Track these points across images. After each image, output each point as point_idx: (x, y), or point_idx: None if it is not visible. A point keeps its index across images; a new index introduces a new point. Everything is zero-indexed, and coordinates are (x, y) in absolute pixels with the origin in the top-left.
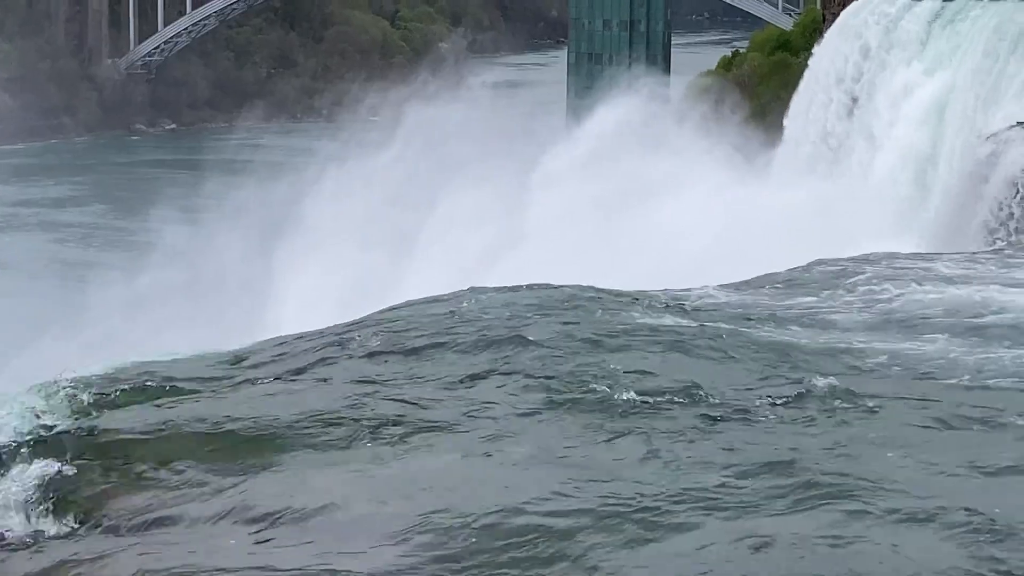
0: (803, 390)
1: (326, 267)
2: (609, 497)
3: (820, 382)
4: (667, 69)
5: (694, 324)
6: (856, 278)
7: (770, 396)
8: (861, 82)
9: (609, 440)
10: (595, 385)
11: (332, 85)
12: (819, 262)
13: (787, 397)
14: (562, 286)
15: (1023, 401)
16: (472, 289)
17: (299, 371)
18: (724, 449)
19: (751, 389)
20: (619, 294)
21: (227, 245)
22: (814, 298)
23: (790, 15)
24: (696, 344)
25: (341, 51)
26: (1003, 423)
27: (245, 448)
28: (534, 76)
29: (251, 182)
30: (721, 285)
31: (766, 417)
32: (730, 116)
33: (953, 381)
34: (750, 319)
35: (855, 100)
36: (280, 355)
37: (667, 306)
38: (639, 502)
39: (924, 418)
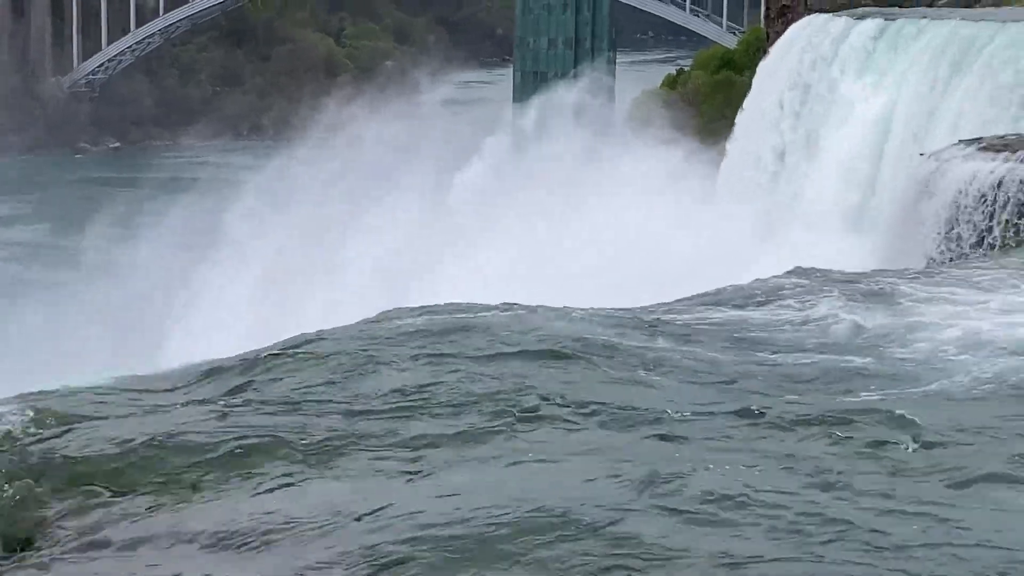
0: (728, 406)
1: (241, 287)
2: (542, 510)
3: (744, 398)
4: (612, 88)
5: (624, 342)
6: (789, 295)
7: (701, 412)
8: (804, 101)
9: (541, 460)
10: (524, 403)
11: (278, 103)
12: (757, 280)
13: (713, 413)
14: (486, 304)
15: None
16: (397, 310)
17: (233, 392)
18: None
19: (686, 406)
20: (549, 310)
21: (157, 263)
22: (744, 313)
23: (734, 33)
24: (624, 361)
25: (287, 69)
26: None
27: (183, 471)
28: (480, 94)
29: (191, 200)
30: (658, 304)
31: (696, 436)
32: (674, 134)
33: (852, 395)
34: (682, 335)
35: (798, 118)
36: (213, 376)
37: (594, 322)
38: (566, 520)
39: (840, 428)
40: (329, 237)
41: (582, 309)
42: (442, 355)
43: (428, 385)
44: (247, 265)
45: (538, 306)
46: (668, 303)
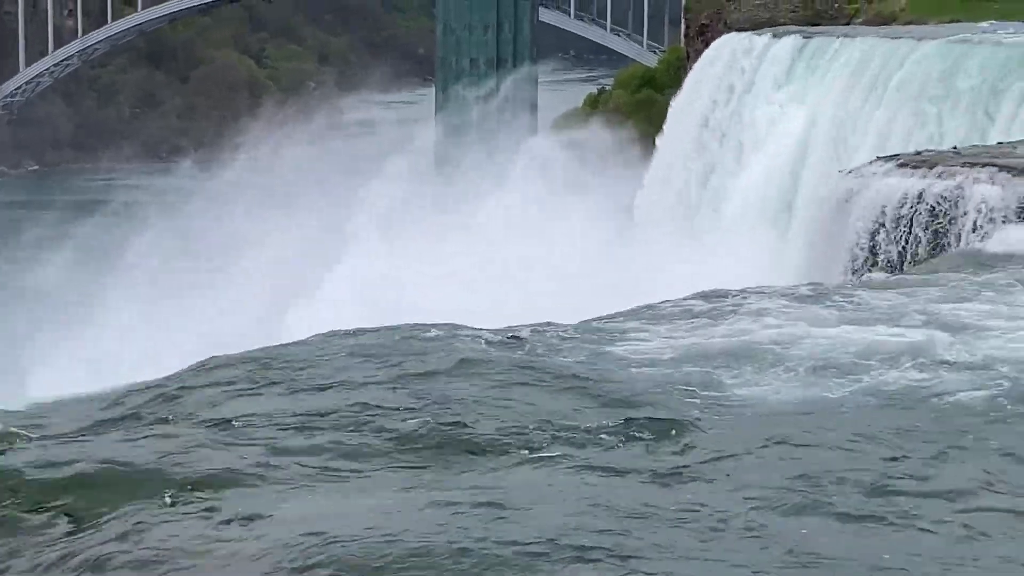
0: (632, 424)
1: (137, 304)
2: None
3: (649, 416)
4: (534, 107)
5: (535, 360)
6: (700, 314)
7: (596, 430)
8: (725, 119)
9: (469, 488)
10: (439, 424)
11: (198, 124)
12: (666, 301)
13: (619, 430)
14: (390, 326)
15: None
16: (315, 336)
17: (137, 418)
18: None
19: (583, 424)
20: (468, 330)
21: (63, 286)
22: (654, 334)
23: (654, 52)
24: (532, 380)
25: (207, 90)
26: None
27: (91, 496)
28: (403, 114)
29: (105, 222)
30: (571, 323)
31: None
32: (597, 152)
33: (760, 411)
34: (587, 356)
35: (719, 136)
36: (117, 403)
37: (505, 343)
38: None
39: (741, 449)
40: (223, 255)
41: (472, 328)
42: (364, 382)
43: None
44: (144, 284)
45: (428, 324)
46: (573, 324)
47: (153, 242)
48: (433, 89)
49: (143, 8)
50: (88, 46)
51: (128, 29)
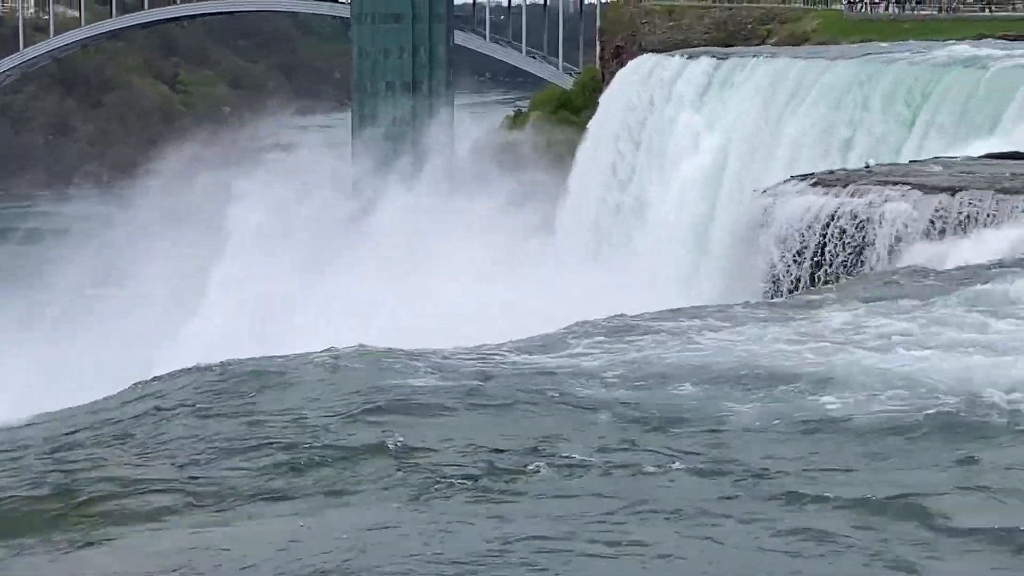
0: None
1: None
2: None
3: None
4: (451, 129)
5: (451, 384)
6: (615, 338)
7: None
8: (640, 140)
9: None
10: (362, 449)
11: (111, 151)
12: (583, 323)
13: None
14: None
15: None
16: (222, 363)
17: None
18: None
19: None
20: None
21: None
22: (569, 357)
23: (570, 74)
24: (453, 405)
25: (120, 116)
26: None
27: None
28: (319, 138)
29: (10, 249)
30: (487, 346)
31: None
32: (515, 176)
33: (683, 429)
34: (504, 379)
35: (634, 158)
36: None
37: (432, 370)
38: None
39: (668, 469)
40: (122, 282)
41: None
42: (281, 410)
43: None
44: (31, 311)
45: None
46: (515, 344)
47: (62, 271)
48: (350, 113)
49: (55, 34)
50: (0, 72)
51: (41, 55)
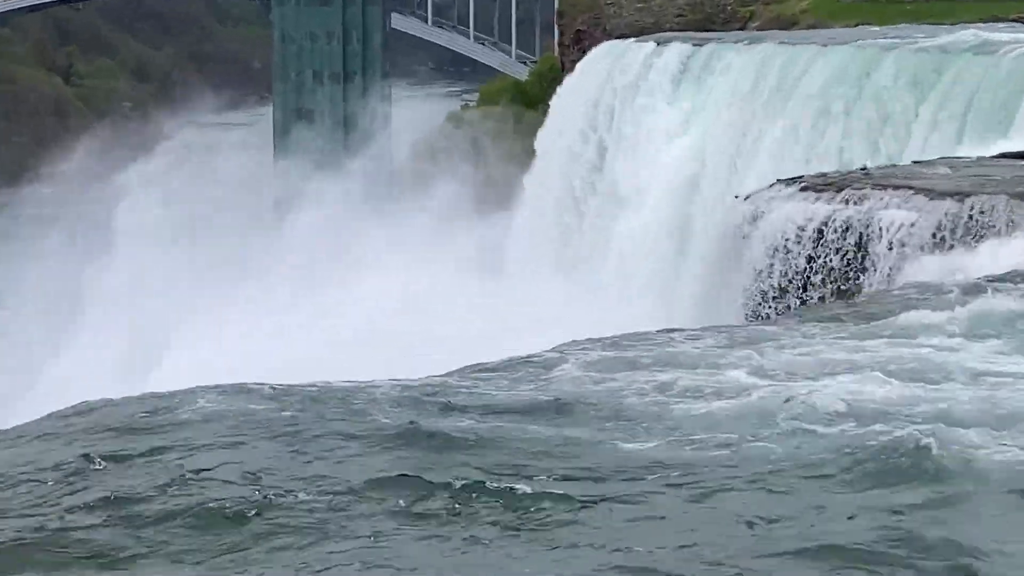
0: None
1: None
2: None
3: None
4: (388, 126)
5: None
6: (564, 365)
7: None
8: (605, 138)
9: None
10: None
11: None
12: (537, 352)
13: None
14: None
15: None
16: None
17: None
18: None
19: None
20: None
21: None
22: (509, 385)
23: (525, 63)
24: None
25: (6, 113)
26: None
27: None
28: (236, 137)
29: None
30: (433, 376)
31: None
32: (461, 179)
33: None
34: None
35: (599, 158)
36: None
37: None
38: None
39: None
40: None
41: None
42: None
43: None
44: None
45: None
46: (463, 371)
47: None
48: (271, 107)
49: None
50: None
51: None
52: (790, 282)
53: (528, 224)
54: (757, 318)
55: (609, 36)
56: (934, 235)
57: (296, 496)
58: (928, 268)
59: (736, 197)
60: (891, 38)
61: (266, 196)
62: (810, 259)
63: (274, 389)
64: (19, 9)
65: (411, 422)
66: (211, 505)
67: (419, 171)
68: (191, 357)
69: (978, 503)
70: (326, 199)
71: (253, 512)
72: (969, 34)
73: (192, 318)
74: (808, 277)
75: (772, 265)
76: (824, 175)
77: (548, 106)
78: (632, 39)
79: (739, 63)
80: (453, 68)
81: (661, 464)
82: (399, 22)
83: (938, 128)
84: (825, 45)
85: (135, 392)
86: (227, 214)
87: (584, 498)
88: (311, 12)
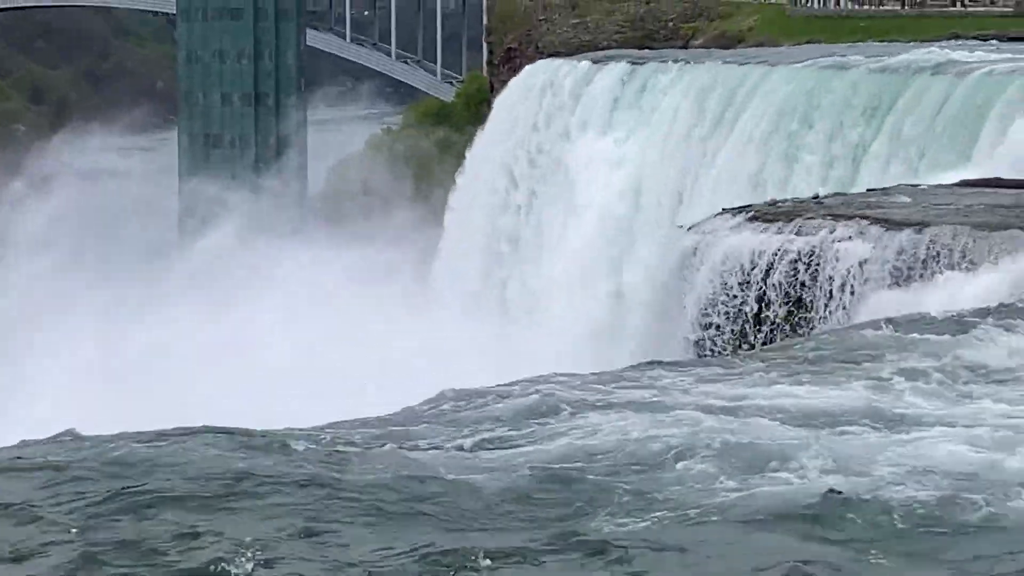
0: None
1: None
2: None
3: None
4: (303, 152)
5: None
6: (493, 407)
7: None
8: (537, 165)
9: None
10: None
11: None
12: (454, 393)
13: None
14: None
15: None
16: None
17: None
18: None
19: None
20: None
21: None
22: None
23: (451, 83)
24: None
25: None
26: None
27: None
28: (139, 162)
29: None
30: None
31: None
32: (382, 208)
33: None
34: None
35: (530, 187)
36: None
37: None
38: None
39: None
40: None
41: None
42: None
43: None
44: None
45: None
46: (383, 419)
47: None
48: (176, 131)
49: None
50: None
51: None
52: (736, 318)
53: (451, 256)
54: (701, 355)
55: (542, 54)
56: (891, 268)
57: None
58: (885, 303)
59: (679, 227)
60: (846, 57)
61: (171, 225)
62: (759, 294)
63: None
64: None
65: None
66: None
67: (336, 199)
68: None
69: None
70: (235, 229)
71: None
72: (927, 53)
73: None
74: (756, 313)
75: (717, 300)
76: (774, 204)
77: (476, 130)
78: (567, 57)
79: (681, 85)
80: (374, 89)
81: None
82: (315, 39)
83: (895, 153)
84: (774, 65)
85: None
86: (128, 244)
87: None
88: (219, 29)
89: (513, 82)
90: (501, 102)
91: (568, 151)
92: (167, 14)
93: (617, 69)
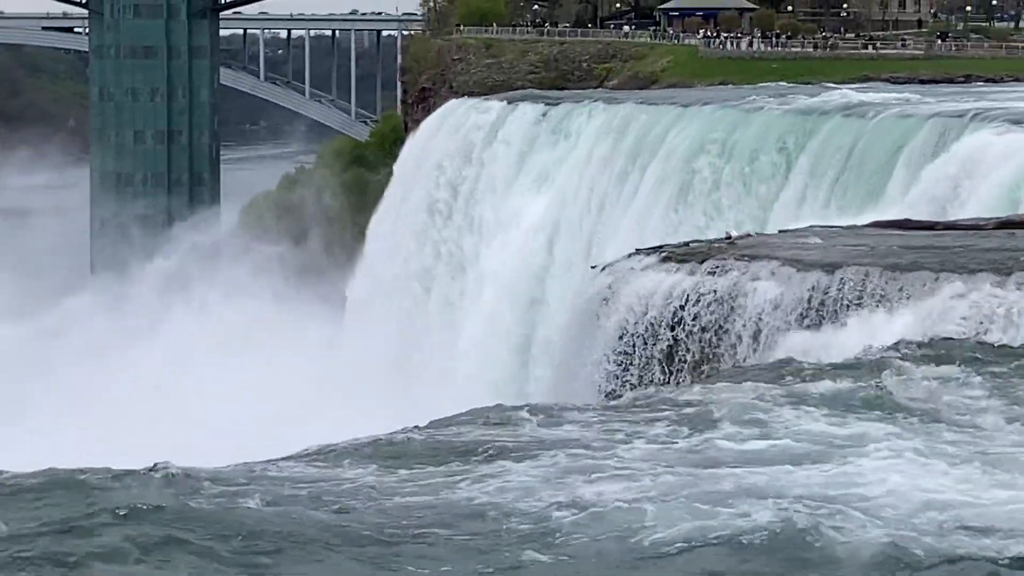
0: None
1: None
2: None
3: None
4: (216, 191)
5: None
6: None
7: None
8: (452, 206)
9: None
10: None
11: None
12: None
13: None
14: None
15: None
16: None
17: None
18: None
19: None
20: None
21: None
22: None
23: (366, 123)
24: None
25: None
26: None
27: None
28: (51, 201)
29: None
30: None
31: None
32: (294, 250)
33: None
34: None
35: (445, 228)
36: None
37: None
38: None
39: None
40: None
41: None
42: None
43: None
44: None
45: None
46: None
47: None
48: (88, 170)
49: None
50: None
51: None
52: (648, 360)
53: (363, 308)
54: (612, 397)
55: (456, 94)
56: (803, 309)
57: None
58: (797, 344)
59: (592, 268)
60: (756, 98)
61: (83, 263)
62: (671, 335)
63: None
64: None
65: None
66: None
67: (249, 238)
68: None
69: None
70: (147, 268)
71: None
72: (840, 96)
73: None
74: (668, 354)
75: (629, 341)
76: (687, 244)
77: (390, 169)
78: (480, 97)
79: (596, 125)
80: (288, 127)
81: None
82: (229, 78)
83: (807, 195)
84: (688, 106)
85: None
86: (37, 284)
87: None
88: (132, 67)
89: (427, 121)
90: (415, 142)
91: (482, 192)
92: (80, 52)
93: (531, 109)
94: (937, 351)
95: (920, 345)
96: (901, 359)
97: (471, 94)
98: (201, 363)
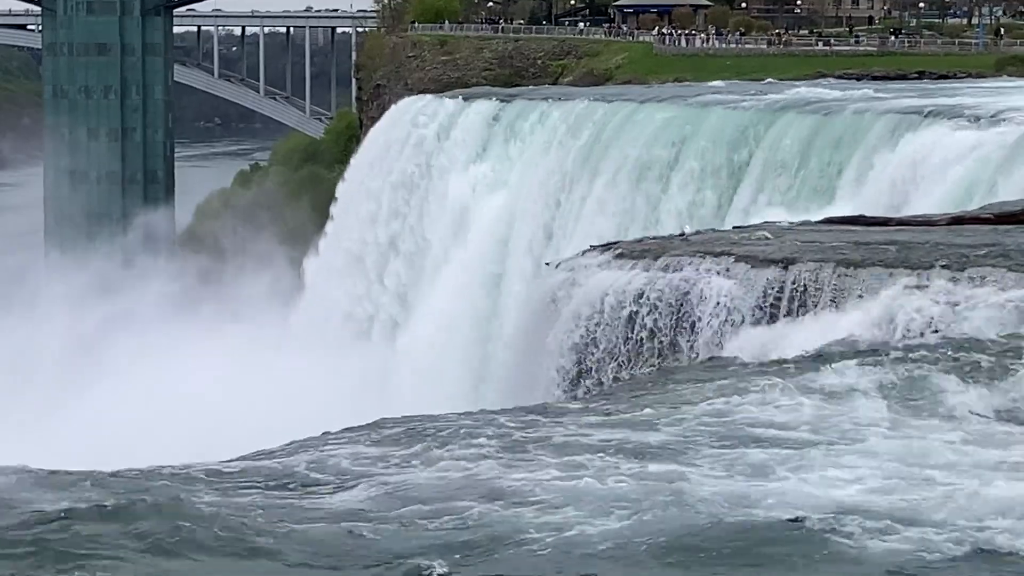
0: None
1: None
2: None
3: None
4: (171, 188)
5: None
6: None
7: None
8: (408, 202)
9: None
10: None
11: None
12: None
13: None
14: None
15: None
16: None
17: None
18: None
19: None
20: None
21: None
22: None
23: (320, 120)
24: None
25: None
26: None
27: None
28: (4, 198)
29: None
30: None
31: None
32: (249, 245)
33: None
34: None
35: (401, 225)
36: None
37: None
38: None
39: None
40: None
41: None
42: None
43: None
44: None
45: None
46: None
47: None
48: (42, 167)
49: None
50: None
51: None
52: (604, 357)
53: (317, 296)
54: (570, 396)
55: (411, 91)
56: (757, 305)
57: None
58: (751, 341)
59: (546, 265)
60: (711, 95)
61: (36, 259)
62: (626, 331)
63: None
64: None
65: None
66: None
67: (203, 235)
68: None
69: None
70: (96, 273)
71: None
72: (794, 91)
73: None
74: (620, 353)
75: (584, 338)
76: (641, 241)
77: (345, 167)
78: (435, 94)
79: (551, 121)
80: (242, 124)
81: None
82: (183, 75)
83: (761, 190)
84: (642, 102)
85: None
86: None
87: None
88: (86, 64)
89: (382, 119)
90: (370, 139)
91: (437, 188)
92: (33, 49)
93: (486, 106)
94: (889, 347)
95: (871, 341)
96: (852, 355)
97: (426, 90)
98: (159, 353)
